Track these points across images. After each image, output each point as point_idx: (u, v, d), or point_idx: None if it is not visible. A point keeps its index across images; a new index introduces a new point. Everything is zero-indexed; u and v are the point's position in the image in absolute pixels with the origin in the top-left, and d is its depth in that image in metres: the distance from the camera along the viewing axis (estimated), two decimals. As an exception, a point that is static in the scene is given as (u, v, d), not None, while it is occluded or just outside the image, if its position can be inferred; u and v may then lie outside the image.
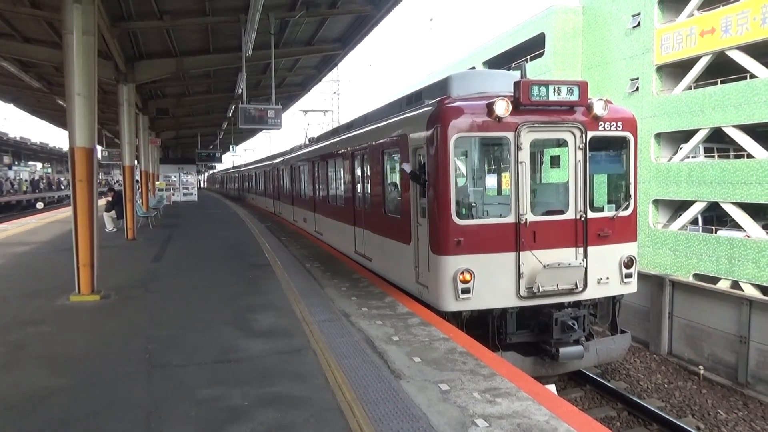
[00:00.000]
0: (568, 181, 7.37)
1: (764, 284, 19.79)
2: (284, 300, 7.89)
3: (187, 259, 12.27)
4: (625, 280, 7.52)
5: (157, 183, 31.00)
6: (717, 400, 9.09)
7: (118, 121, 16.20)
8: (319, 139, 17.29)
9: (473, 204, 7.66)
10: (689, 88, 24.26)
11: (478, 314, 7.09)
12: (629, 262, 7.51)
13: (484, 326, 7.12)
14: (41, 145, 62.46)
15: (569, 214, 7.29)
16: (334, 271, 10.07)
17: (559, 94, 6.96)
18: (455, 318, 7.02)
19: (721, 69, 22.97)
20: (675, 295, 11.19)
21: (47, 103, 23.47)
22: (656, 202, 25.42)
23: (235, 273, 10.06)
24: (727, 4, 22.38)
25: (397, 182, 9.07)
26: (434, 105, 7.50)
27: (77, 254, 8.07)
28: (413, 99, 9.11)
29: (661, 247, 24.31)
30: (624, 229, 7.56)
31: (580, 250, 7.28)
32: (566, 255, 7.21)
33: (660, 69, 25.67)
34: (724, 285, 20.13)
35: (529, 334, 7.33)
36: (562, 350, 7.03)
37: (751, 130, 21.54)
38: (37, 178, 60.55)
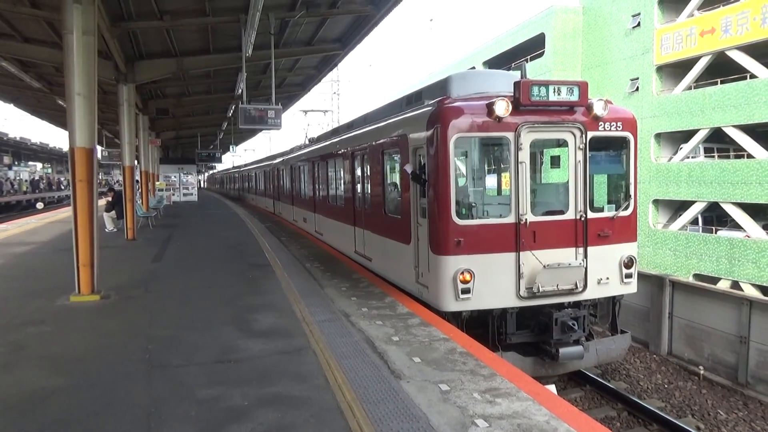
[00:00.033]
0: (568, 182, 7.37)
1: (764, 284, 19.79)
2: (284, 300, 7.89)
3: (187, 259, 12.27)
4: (625, 280, 7.52)
5: (157, 183, 31.00)
6: (717, 400, 9.09)
7: (118, 121, 16.20)
8: (319, 139, 17.29)
9: (473, 204, 7.66)
10: (689, 88, 24.27)
11: (478, 314, 7.09)
12: (629, 263, 7.51)
13: (484, 326, 7.12)
14: (41, 145, 62.46)
15: (569, 215, 7.29)
16: (334, 271, 10.07)
17: (559, 95, 6.96)
18: (455, 318, 7.02)
19: (721, 69, 22.97)
20: (675, 295, 11.19)
21: (47, 103, 23.47)
22: (656, 202, 25.43)
23: (235, 273, 10.06)
24: (727, 4, 22.38)
25: (397, 182, 9.07)
26: (434, 105, 7.50)
27: (77, 254, 8.07)
28: (413, 99, 9.11)
29: (661, 247, 24.31)
30: (624, 230, 7.56)
31: (580, 250, 7.27)
32: (566, 255, 7.21)
33: (660, 69, 25.67)
34: (724, 285, 20.13)
35: (529, 334, 7.33)
36: (562, 350, 7.03)
37: (751, 130, 21.55)
38: (37, 178, 60.54)
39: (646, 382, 9.65)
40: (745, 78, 21.91)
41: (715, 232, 22.93)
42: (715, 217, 24.01)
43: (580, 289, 7.16)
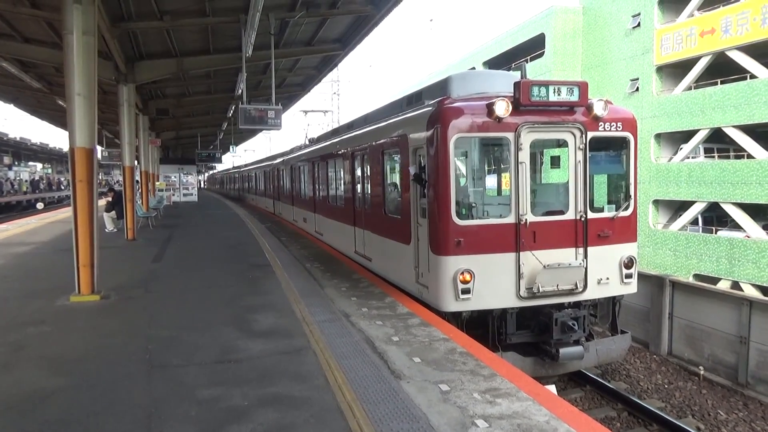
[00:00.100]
0: (568, 182, 7.37)
1: (764, 284, 19.79)
2: (284, 300, 7.89)
3: (187, 259, 12.27)
4: (625, 280, 7.52)
5: (157, 183, 31.00)
6: (717, 400, 9.09)
7: (118, 121, 16.20)
8: (320, 139, 17.29)
9: (473, 204, 7.66)
10: (689, 88, 24.28)
11: (478, 314, 7.09)
12: (629, 263, 7.51)
13: (484, 326, 7.12)
14: (41, 145, 62.46)
15: (569, 215, 7.29)
16: (334, 271, 10.06)
17: (559, 95, 6.96)
18: (455, 318, 7.02)
19: (721, 69, 22.98)
20: (675, 295, 11.19)
21: (47, 104, 23.48)
22: (656, 202, 25.43)
23: (236, 273, 10.06)
24: (727, 4, 22.39)
25: (398, 182, 9.07)
26: (434, 105, 7.50)
27: (77, 254, 8.07)
28: (413, 99, 9.11)
29: (661, 247, 24.31)
30: (624, 230, 7.56)
31: (580, 250, 7.27)
32: (566, 255, 7.21)
33: (660, 69, 25.68)
34: (724, 285, 20.13)
35: (529, 334, 7.33)
36: (562, 351, 7.03)
37: (751, 130, 21.56)
38: (37, 178, 60.52)
39: (646, 382, 9.65)
40: (745, 78, 21.91)
41: (715, 233, 22.94)
42: (715, 218, 24.02)
43: (580, 290, 7.16)
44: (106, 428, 4.09)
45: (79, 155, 8.01)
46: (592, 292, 7.30)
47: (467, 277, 6.85)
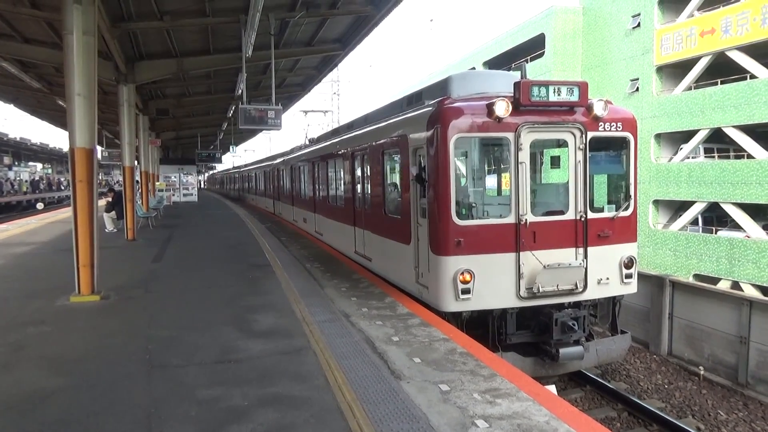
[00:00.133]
0: (568, 182, 7.37)
1: (764, 285, 19.79)
2: (284, 300, 7.88)
3: (187, 259, 12.27)
4: (625, 280, 7.52)
5: (157, 183, 31.01)
6: (717, 400, 9.09)
7: (118, 121, 16.20)
8: (320, 139, 17.29)
9: (473, 204, 7.66)
10: (689, 88, 24.28)
11: (478, 315, 7.09)
12: (629, 263, 7.51)
13: (484, 327, 7.12)
14: (41, 145, 62.47)
15: (569, 215, 7.29)
16: (334, 271, 10.06)
17: (559, 95, 6.96)
18: (455, 318, 7.02)
19: (722, 69, 22.99)
20: (675, 295, 11.19)
21: (47, 104, 23.48)
22: (656, 202, 25.43)
23: (236, 273, 10.06)
24: (727, 4, 22.39)
25: (398, 183, 9.07)
26: (434, 105, 7.50)
27: (77, 255, 8.07)
28: (413, 99, 9.11)
29: (661, 247, 24.31)
30: (624, 230, 7.56)
31: (580, 250, 7.27)
32: (566, 255, 7.21)
33: (660, 69, 25.69)
34: (724, 285, 20.13)
35: (529, 334, 7.33)
36: (562, 351, 7.03)
37: (751, 130, 21.56)
38: (37, 178, 60.52)
39: (647, 382, 9.65)
40: (745, 78, 21.92)
41: (715, 233, 22.94)
42: (715, 218, 24.02)
43: (580, 290, 7.16)
44: (106, 428, 4.09)
45: (79, 155, 8.01)
46: (592, 292, 7.30)
47: (467, 277, 6.85)
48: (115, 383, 4.92)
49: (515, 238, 7.00)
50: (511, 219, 7.06)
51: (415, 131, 7.76)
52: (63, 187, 58.61)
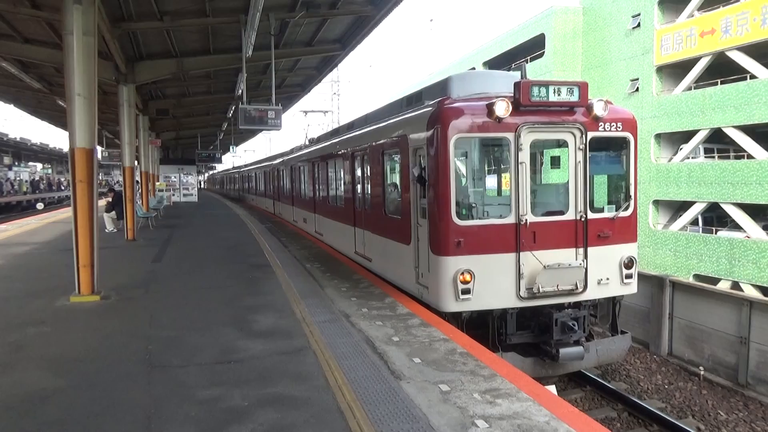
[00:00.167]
0: (568, 182, 7.37)
1: (764, 285, 19.78)
2: (284, 301, 7.88)
3: (187, 259, 12.27)
4: (625, 280, 7.52)
5: (157, 183, 31.01)
6: (717, 400, 9.09)
7: (118, 121, 16.20)
8: (320, 139, 17.29)
9: (473, 205, 7.66)
10: (689, 88, 24.28)
11: (478, 315, 7.09)
12: (629, 263, 7.51)
13: (484, 327, 7.12)
14: (41, 145, 62.49)
15: (569, 215, 7.29)
16: (334, 271, 10.06)
17: (559, 95, 6.96)
18: (455, 319, 7.02)
19: (722, 70, 22.99)
20: (675, 295, 11.20)
21: (47, 104, 23.51)
22: (656, 202, 25.43)
23: (235, 274, 10.06)
24: (727, 4, 22.39)
25: (398, 183, 9.07)
26: (434, 106, 7.50)
27: (77, 255, 8.07)
28: (413, 100, 9.10)
29: (661, 247, 24.31)
30: (624, 230, 7.55)
31: (581, 250, 7.27)
32: (566, 256, 7.21)
33: (660, 69, 25.68)
34: (724, 286, 20.13)
35: (529, 334, 7.33)
36: (563, 351, 7.03)
37: (751, 130, 21.55)
38: (37, 178, 60.57)
39: (647, 382, 9.65)
40: (745, 78, 21.91)
41: (715, 233, 22.93)
42: (715, 218, 24.01)
43: (581, 290, 7.15)
44: (106, 429, 4.09)
45: (79, 155, 8.01)
46: (592, 293, 7.30)
47: (467, 277, 6.85)
48: (115, 383, 4.92)
49: (515, 239, 7.00)
50: (511, 219, 7.06)
51: (415, 131, 7.76)
52: (63, 188, 58.64)
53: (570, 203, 7.30)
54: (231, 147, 39.02)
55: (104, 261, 8.98)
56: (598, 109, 7.18)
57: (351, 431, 3.96)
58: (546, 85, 6.96)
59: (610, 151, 7.81)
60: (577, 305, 7.26)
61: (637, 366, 10.47)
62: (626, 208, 7.59)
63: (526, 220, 7.04)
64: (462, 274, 6.83)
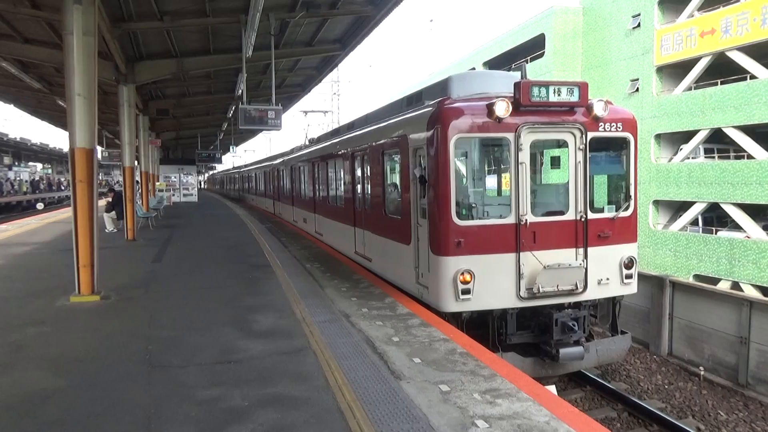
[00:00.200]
0: (568, 182, 7.37)
1: (765, 285, 19.78)
2: (284, 301, 7.88)
3: (187, 259, 12.27)
4: (625, 280, 7.52)
5: (157, 184, 31.01)
6: (717, 401, 9.09)
7: (119, 121, 16.20)
8: (320, 139, 17.30)
9: (473, 205, 7.66)
10: (689, 88, 24.27)
11: (478, 315, 7.09)
12: (629, 263, 7.51)
13: (484, 327, 7.12)
14: (41, 145, 62.49)
15: (569, 215, 7.29)
16: (334, 271, 10.06)
17: (559, 95, 6.96)
18: (455, 319, 7.02)
19: (722, 70, 22.98)
20: (675, 295, 11.20)
21: (47, 104, 23.50)
22: (656, 202, 25.43)
23: (235, 274, 10.06)
24: (727, 5, 22.39)
25: (398, 183, 9.07)
26: (434, 106, 7.50)
27: (77, 255, 8.07)
28: (413, 100, 9.11)
29: (662, 247, 24.31)
30: (624, 230, 7.55)
31: (581, 250, 7.27)
32: (566, 256, 7.21)
33: (660, 70, 25.68)
34: (724, 286, 20.12)
35: (529, 334, 7.33)
36: (563, 351, 7.03)
37: (751, 130, 21.55)
38: (37, 178, 60.56)
39: (647, 382, 9.65)
40: (745, 79, 21.91)
41: (715, 233, 22.93)
42: (715, 218, 24.01)
43: (581, 290, 7.15)
44: (106, 429, 4.09)
45: (79, 155, 8.01)
46: (592, 293, 7.30)
47: (467, 277, 6.85)
48: (115, 383, 4.92)
49: (515, 239, 7.00)
50: (511, 219, 7.06)
51: (415, 131, 7.76)
52: (63, 188, 58.63)
53: (570, 203, 7.30)
54: (231, 147, 39.03)
55: (104, 261, 8.98)
56: (598, 110, 7.18)
57: (351, 431, 3.96)
58: (546, 85, 6.96)
59: (610, 151, 7.82)
60: (577, 305, 7.27)
61: (637, 366, 10.47)
62: (626, 209, 7.59)
63: (526, 220, 7.04)
64: (462, 274, 6.83)
